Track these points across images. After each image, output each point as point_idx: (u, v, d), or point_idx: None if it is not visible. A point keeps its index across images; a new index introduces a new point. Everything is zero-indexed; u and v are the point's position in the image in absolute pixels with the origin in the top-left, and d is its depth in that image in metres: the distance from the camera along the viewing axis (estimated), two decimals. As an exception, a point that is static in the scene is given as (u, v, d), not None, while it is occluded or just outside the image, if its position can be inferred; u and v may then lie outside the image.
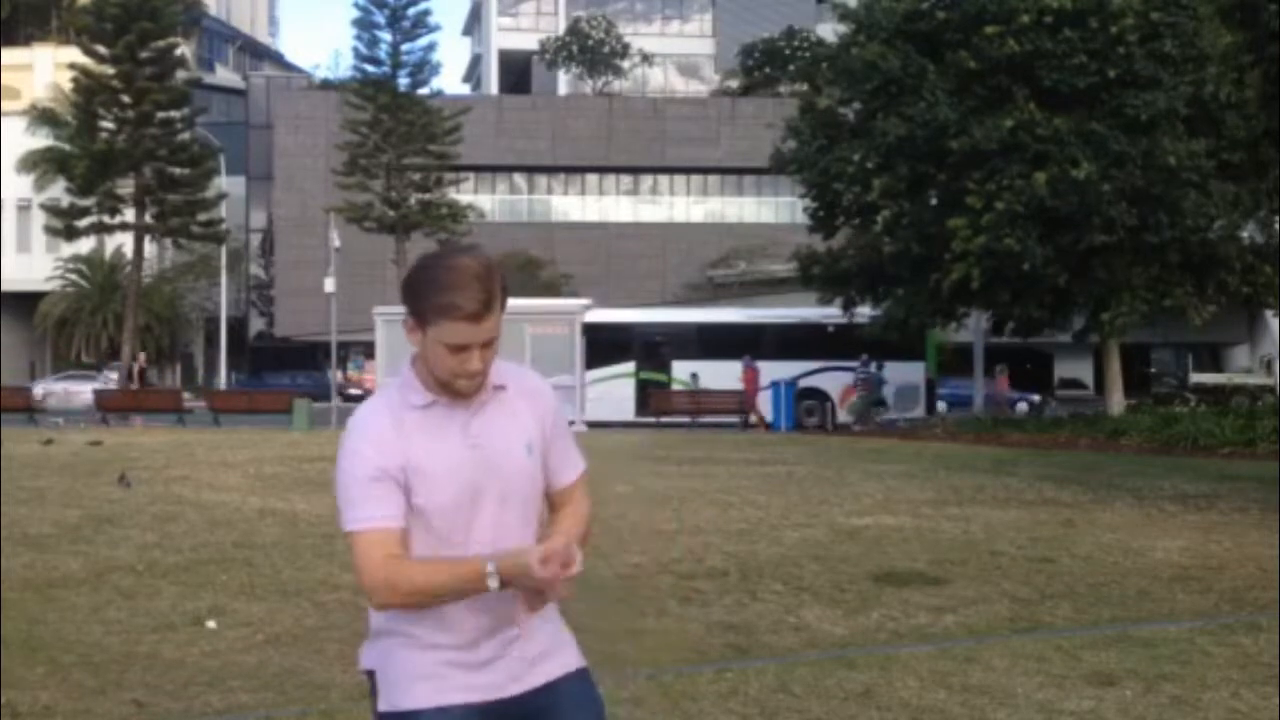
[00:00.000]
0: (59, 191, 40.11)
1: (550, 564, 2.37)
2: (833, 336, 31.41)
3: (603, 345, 31.97)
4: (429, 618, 2.51)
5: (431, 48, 41.72)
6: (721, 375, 30.85)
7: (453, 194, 41.71)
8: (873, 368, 30.25)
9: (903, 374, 31.01)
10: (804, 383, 31.28)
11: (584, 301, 34.44)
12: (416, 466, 2.49)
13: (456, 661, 2.51)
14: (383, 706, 2.57)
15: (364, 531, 2.48)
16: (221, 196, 42.51)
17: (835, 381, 31.65)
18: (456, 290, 2.41)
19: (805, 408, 31.29)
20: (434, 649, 2.51)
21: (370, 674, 2.63)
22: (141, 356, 37.29)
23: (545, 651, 2.61)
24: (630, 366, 32.48)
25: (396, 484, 2.48)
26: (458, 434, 2.52)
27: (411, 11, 40.21)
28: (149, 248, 40.64)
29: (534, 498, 2.62)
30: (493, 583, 2.39)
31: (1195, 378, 46.67)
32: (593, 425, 28.95)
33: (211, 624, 7.23)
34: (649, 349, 32.69)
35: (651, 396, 31.37)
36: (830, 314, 31.43)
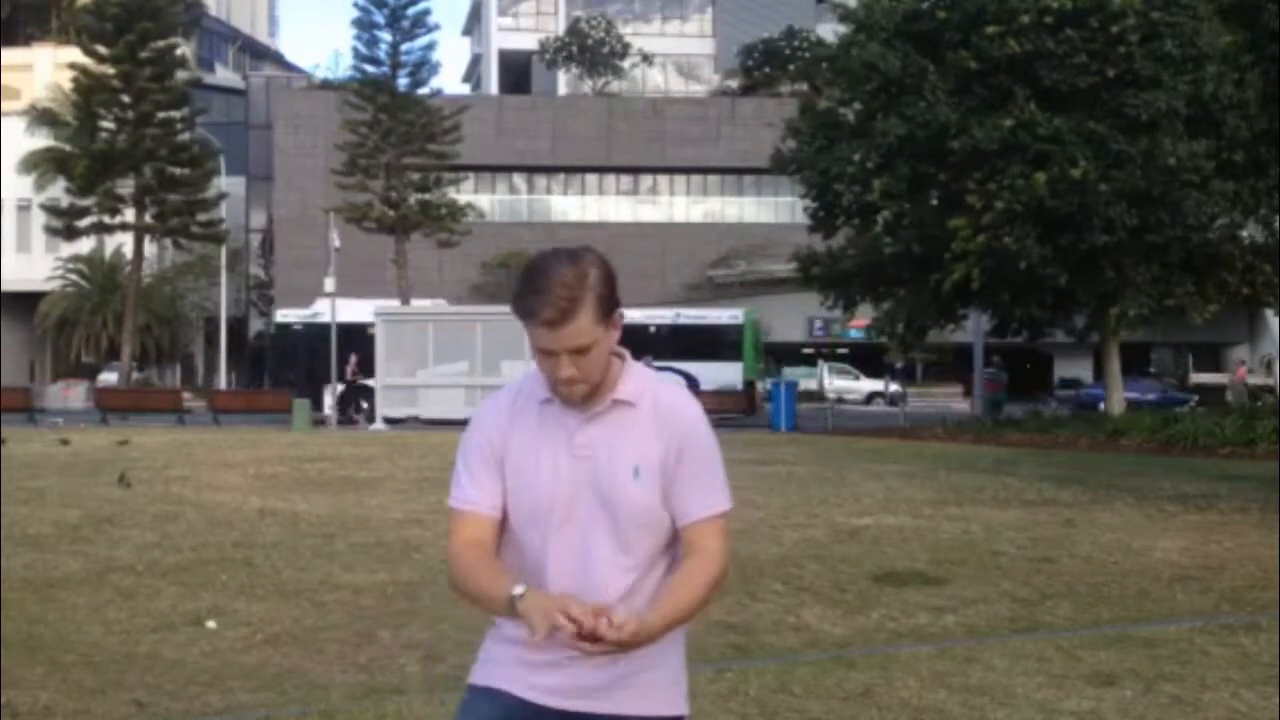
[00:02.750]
0: (59, 191, 40.11)
1: (576, 622, 2.23)
2: (654, 336, 32.18)
3: (449, 342, 32.62)
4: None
5: (431, 48, 41.55)
6: None
7: (453, 194, 41.66)
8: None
9: (720, 375, 31.14)
10: None
11: None
12: (513, 458, 2.48)
13: (522, 658, 2.47)
14: (471, 679, 2.61)
15: (459, 511, 2.51)
16: (221, 196, 42.53)
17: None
18: (535, 295, 2.35)
19: None
20: (509, 643, 2.49)
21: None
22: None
23: (624, 681, 2.46)
24: (464, 366, 32.77)
25: (498, 470, 2.49)
26: (564, 439, 2.46)
27: (411, 11, 40.16)
28: (149, 248, 40.66)
29: (642, 529, 2.46)
30: (519, 602, 2.32)
31: (1195, 378, 46.66)
32: (432, 423, 29.16)
33: (211, 624, 7.22)
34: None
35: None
36: (656, 314, 32.30)
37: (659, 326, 32.19)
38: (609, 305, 2.40)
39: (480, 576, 2.43)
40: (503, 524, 2.51)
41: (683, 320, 32.53)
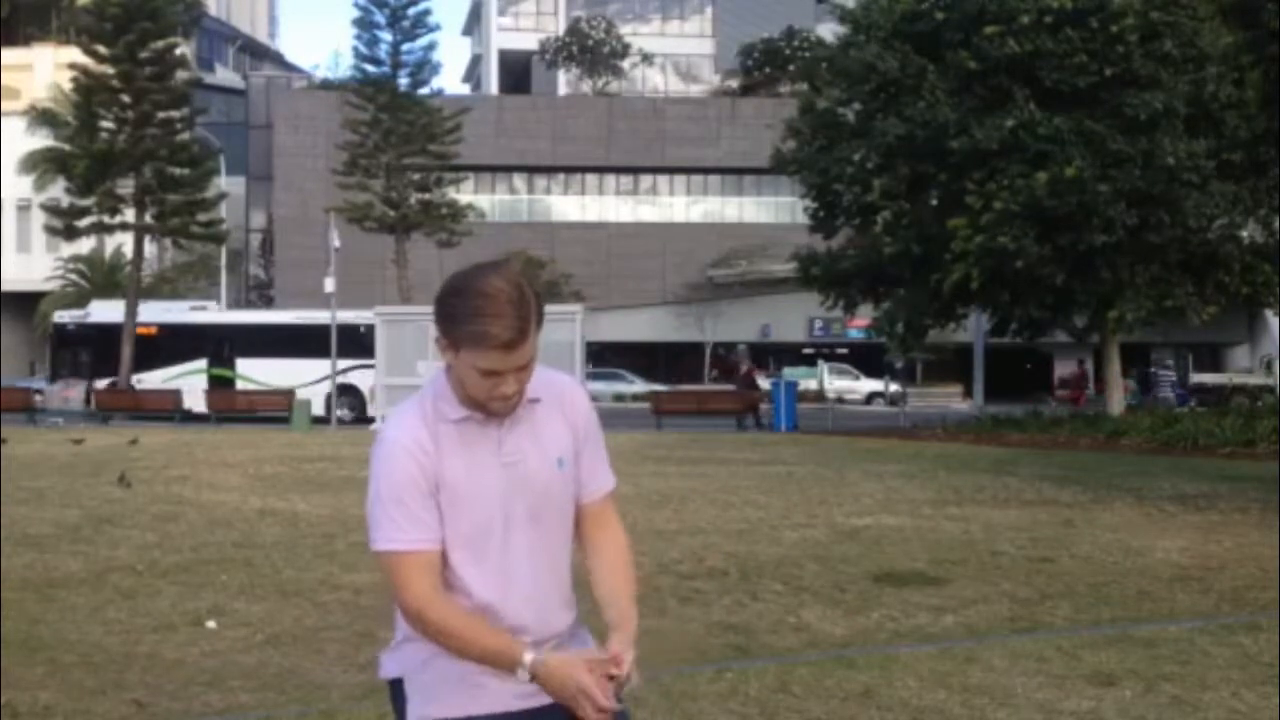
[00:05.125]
0: (59, 191, 40.05)
1: (597, 679, 2.33)
2: (364, 336, 33.18)
3: (180, 344, 34.87)
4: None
5: (431, 48, 41.49)
6: (274, 373, 33.52)
7: (453, 194, 41.66)
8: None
9: (421, 372, 31.88)
10: (340, 380, 33.26)
11: (578, 306, 34.70)
12: (449, 484, 2.43)
13: (492, 670, 2.45)
14: (413, 717, 2.50)
15: (406, 553, 2.41)
16: (221, 196, 42.46)
17: (368, 379, 33.35)
18: (491, 319, 2.32)
19: (346, 403, 33.57)
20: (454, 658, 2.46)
21: (395, 683, 2.56)
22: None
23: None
24: (202, 364, 35.20)
25: (434, 501, 2.42)
26: (492, 452, 2.46)
27: (411, 11, 40.16)
28: (149, 248, 40.61)
29: (568, 516, 2.57)
30: (523, 675, 2.36)
31: (1195, 378, 46.64)
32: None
33: (211, 624, 7.23)
34: (218, 348, 35.10)
35: (208, 395, 33.42)
36: (365, 315, 33.83)
37: (368, 327, 33.77)
38: (541, 315, 2.42)
39: (473, 632, 2.39)
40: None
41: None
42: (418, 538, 2.41)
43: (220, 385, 34.71)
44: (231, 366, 35.34)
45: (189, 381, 34.44)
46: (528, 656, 2.35)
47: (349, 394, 33.83)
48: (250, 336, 35.12)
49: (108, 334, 35.07)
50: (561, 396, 2.56)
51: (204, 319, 36.64)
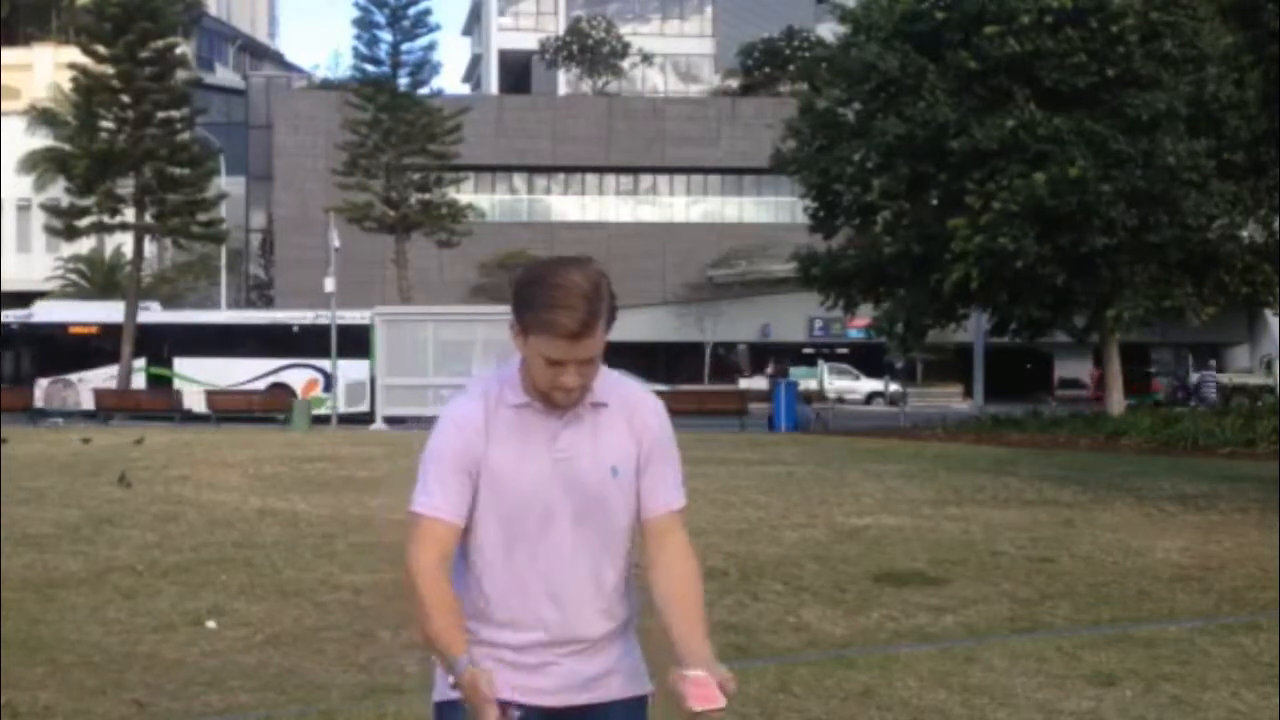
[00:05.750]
0: (59, 191, 40.05)
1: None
2: (297, 336, 34.47)
3: (119, 343, 34.90)
4: (491, 619, 2.52)
5: (431, 47, 41.47)
6: (211, 371, 34.11)
7: (453, 194, 41.65)
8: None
9: (351, 371, 33.01)
10: (274, 379, 34.23)
11: None
12: (493, 466, 2.48)
13: (509, 661, 2.49)
14: (436, 696, 2.57)
15: (426, 517, 2.48)
16: (221, 196, 42.43)
17: (300, 377, 34.41)
18: (561, 308, 2.39)
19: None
20: (490, 645, 2.49)
21: (441, 706, 2.59)
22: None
23: (609, 671, 2.57)
24: (140, 363, 35.42)
25: (470, 477, 2.48)
26: (544, 443, 2.50)
27: (411, 11, 40.14)
28: (149, 248, 40.58)
29: (622, 526, 2.55)
30: (450, 678, 2.38)
31: (1196, 378, 46.61)
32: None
33: (211, 624, 7.23)
34: (156, 347, 35.50)
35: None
36: (298, 315, 35.12)
37: (301, 326, 34.87)
38: (613, 313, 2.47)
39: (441, 627, 2.40)
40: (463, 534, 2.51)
41: (321, 320, 34.89)
42: (439, 505, 2.47)
43: (158, 384, 35.24)
44: (169, 366, 35.76)
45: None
46: (462, 659, 2.35)
47: (283, 391, 34.10)
48: (188, 336, 35.40)
49: (51, 334, 35.68)
50: (633, 407, 2.58)
51: (142, 319, 36.99)
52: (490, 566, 2.51)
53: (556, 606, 2.50)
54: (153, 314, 37.53)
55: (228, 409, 32.19)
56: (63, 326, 35.71)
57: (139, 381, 35.15)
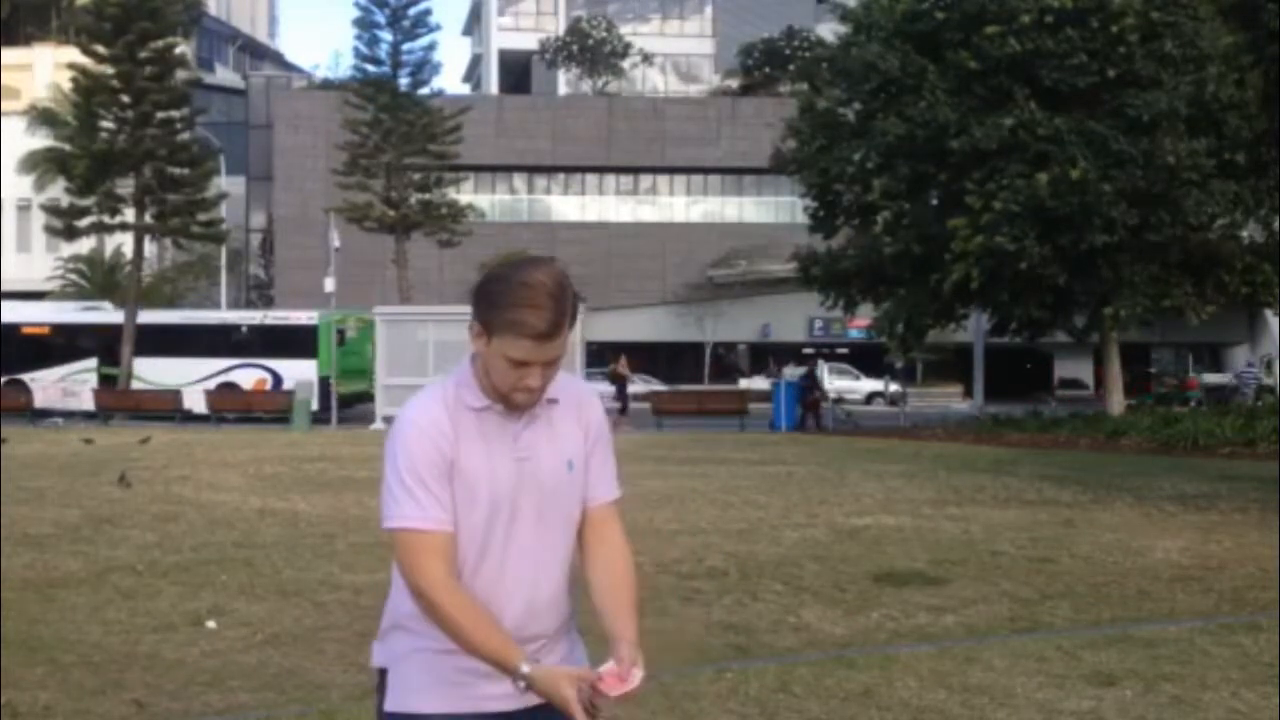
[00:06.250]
0: (59, 191, 40.01)
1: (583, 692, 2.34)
2: (246, 336, 34.89)
3: (73, 344, 35.59)
4: None
5: (432, 47, 41.40)
6: (163, 371, 34.25)
7: (453, 194, 41.64)
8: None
9: (297, 372, 33.15)
10: (222, 378, 34.32)
11: (578, 306, 34.89)
12: (463, 471, 2.45)
13: (474, 670, 2.46)
14: (390, 706, 2.53)
15: (422, 532, 2.42)
16: (221, 196, 42.42)
17: (249, 376, 34.56)
18: (529, 309, 2.37)
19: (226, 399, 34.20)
20: (452, 654, 2.46)
21: (382, 671, 2.57)
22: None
23: (562, 661, 2.58)
24: (93, 363, 35.74)
25: (449, 482, 2.44)
26: (507, 444, 2.49)
27: (412, 11, 40.11)
28: (149, 248, 40.58)
29: (575, 519, 2.58)
30: (520, 683, 2.38)
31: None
32: (67, 415, 32.59)
33: (211, 624, 7.23)
34: (109, 347, 35.49)
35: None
36: (246, 316, 35.64)
37: (250, 327, 35.34)
38: (575, 313, 2.46)
39: (486, 637, 2.39)
40: None
41: (268, 321, 35.74)
42: (435, 517, 2.42)
43: (108, 384, 35.36)
44: (119, 365, 35.86)
45: (80, 380, 35.08)
46: (525, 667, 2.36)
47: (230, 390, 34.31)
48: (140, 336, 35.31)
49: (3, 335, 35.50)
50: (579, 400, 2.60)
51: (95, 319, 37.20)
52: (464, 573, 2.48)
53: (527, 606, 2.51)
54: (104, 314, 37.83)
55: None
56: (15, 327, 35.58)
57: (93, 381, 35.31)
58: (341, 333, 35.29)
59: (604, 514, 2.61)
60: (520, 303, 2.37)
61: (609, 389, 33.21)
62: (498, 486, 2.47)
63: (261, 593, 8.20)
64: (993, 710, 5.46)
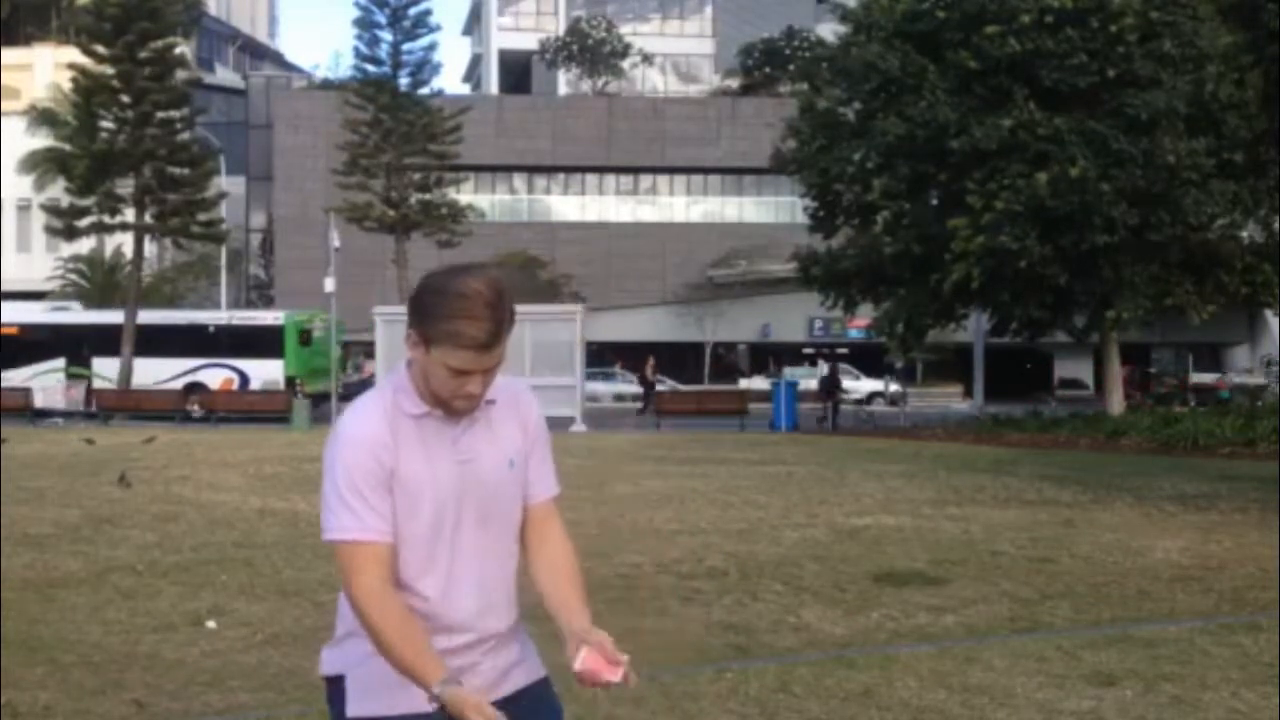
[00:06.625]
0: (59, 191, 40.03)
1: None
2: (213, 336, 35.35)
3: (40, 344, 35.86)
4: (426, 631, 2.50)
5: (432, 48, 41.39)
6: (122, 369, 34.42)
7: (453, 194, 41.64)
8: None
9: (264, 372, 33.86)
10: (190, 377, 34.92)
11: (578, 306, 34.89)
12: (404, 479, 2.45)
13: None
14: (353, 712, 2.52)
15: (360, 543, 2.43)
16: (221, 196, 42.42)
17: (215, 376, 35.15)
18: (468, 319, 2.36)
19: (193, 399, 34.37)
20: None
21: (334, 679, 2.56)
22: None
23: (516, 661, 2.62)
24: (61, 363, 36.28)
25: (389, 492, 2.44)
26: (447, 448, 2.49)
27: (412, 11, 40.11)
28: (149, 248, 40.58)
29: (517, 517, 2.60)
30: (432, 704, 2.34)
31: (1196, 378, 46.62)
32: (39, 414, 32.69)
33: (211, 624, 7.23)
34: (76, 347, 36.03)
35: None
36: (212, 316, 36.10)
37: (217, 327, 35.72)
38: (512, 320, 2.45)
39: (405, 650, 2.37)
40: None
41: (235, 321, 36.17)
42: (373, 528, 2.43)
43: (79, 383, 35.63)
44: (88, 365, 36.03)
45: (46, 380, 35.34)
46: (437, 688, 2.33)
47: (197, 390, 34.46)
48: (106, 336, 35.38)
49: None
50: (516, 399, 2.60)
51: (62, 319, 37.34)
52: (410, 579, 2.48)
53: (474, 606, 2.52)
54: (71, 314, 38.07)
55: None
56: None
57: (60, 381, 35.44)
58: (308, 332, 35.47)
59: (544, 511, 2.63)
60: (458, 314, 2.36)
61: (638, 389, 33.64)
62: (441, 491, 2.47)
63: (261, 593, 8.20)
64: (993, 710, 5.46)
